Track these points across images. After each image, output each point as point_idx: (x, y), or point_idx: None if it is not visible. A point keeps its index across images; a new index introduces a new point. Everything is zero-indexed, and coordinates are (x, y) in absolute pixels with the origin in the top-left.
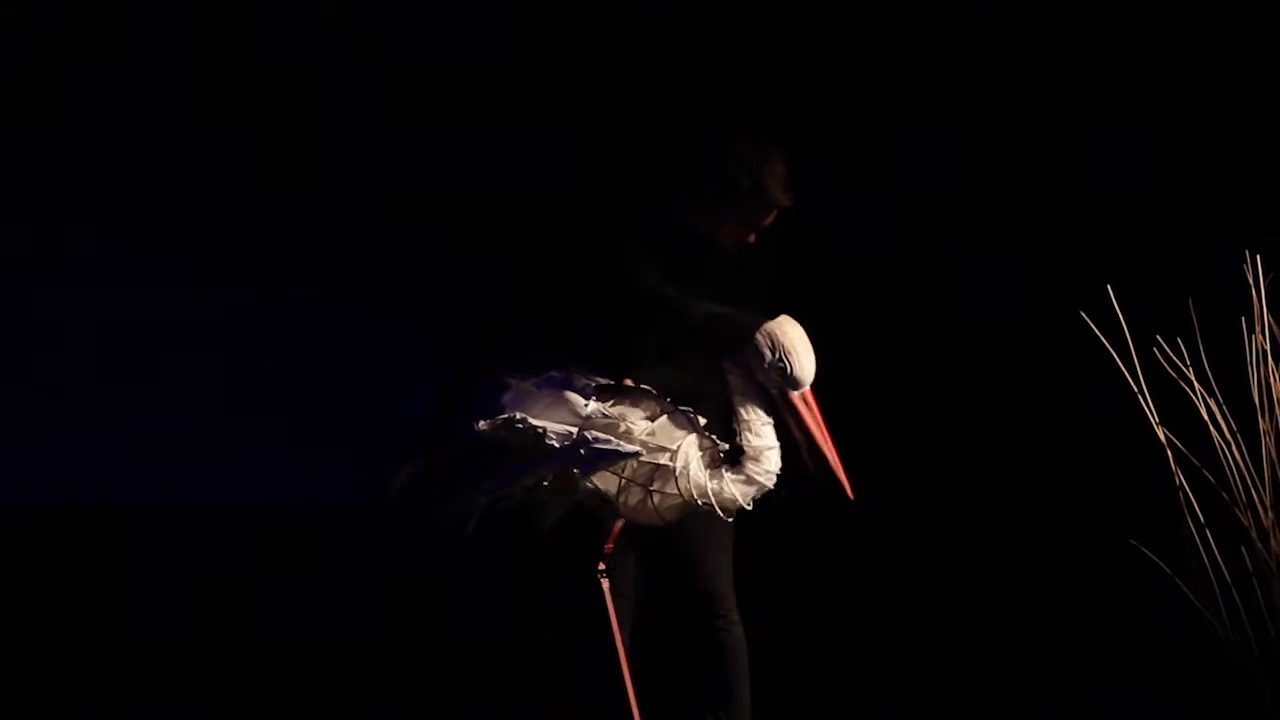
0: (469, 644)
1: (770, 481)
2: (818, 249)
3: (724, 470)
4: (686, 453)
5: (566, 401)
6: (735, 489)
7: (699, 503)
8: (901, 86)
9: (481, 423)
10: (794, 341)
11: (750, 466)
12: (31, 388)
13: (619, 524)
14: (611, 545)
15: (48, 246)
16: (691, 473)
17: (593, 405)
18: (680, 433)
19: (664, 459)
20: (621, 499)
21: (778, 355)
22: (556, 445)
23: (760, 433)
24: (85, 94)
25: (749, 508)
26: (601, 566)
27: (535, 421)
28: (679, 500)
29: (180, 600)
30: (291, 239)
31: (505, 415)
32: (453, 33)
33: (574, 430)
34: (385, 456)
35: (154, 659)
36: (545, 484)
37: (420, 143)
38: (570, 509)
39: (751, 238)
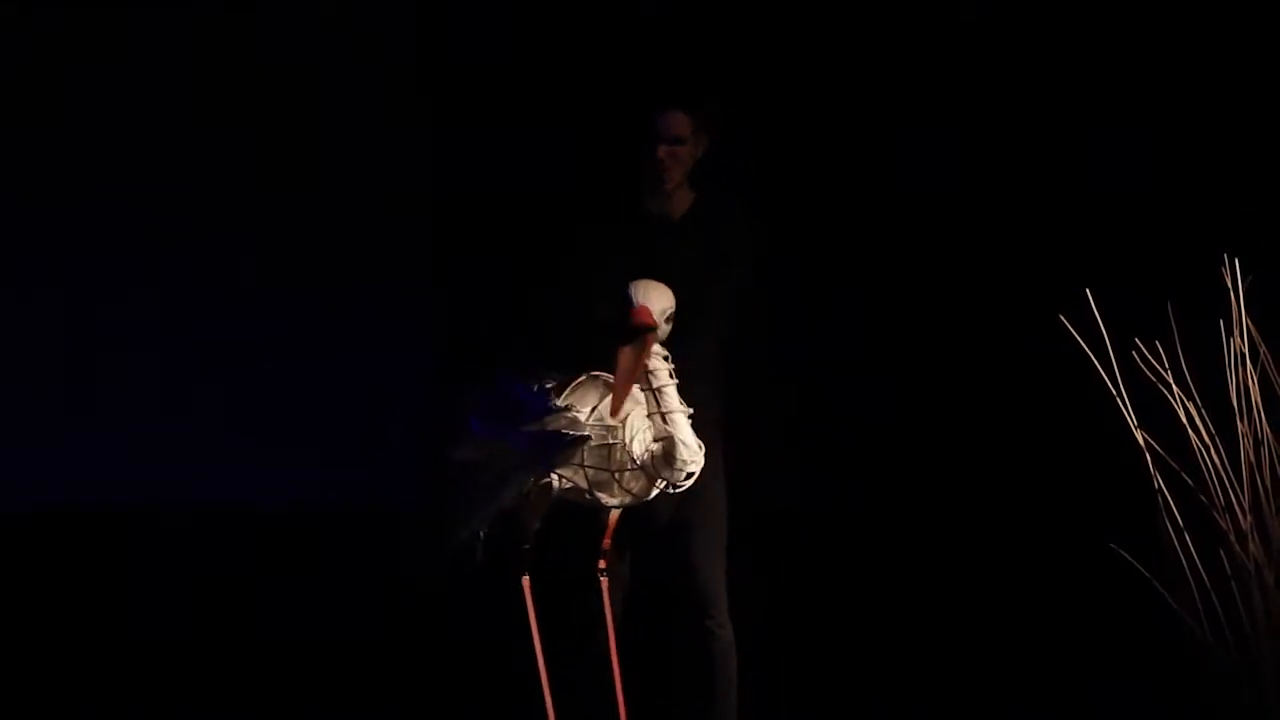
0: (469, 644)
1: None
2: (800, 247)
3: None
4: (633, 424)
5: (523, 407)
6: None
7: (657, 470)
8: (892, 85)
9: (457, 449)
10: (645, 284)
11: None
12: (30, 388)
13: (612, 519)
14: (609, 542)
15: (47, 247)
16: (640, 440)
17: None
18: (627, 409)
19: (613, 437)
20: (593, 488)
21: (629, 288)
22: (520, 450)
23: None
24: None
25: (696, 458)
26: (602, 565)
27: (498, 432)
28: (639, 473)
29: (180, 600)
30: (290, 240)
31: (473, 435)
32: (449, 34)
33: (532, 431)
34: (385, 458)
35: (154, 659)
36: (525, 491)
37: (423, 144)
38: (558, 508)
39: (666, 184)
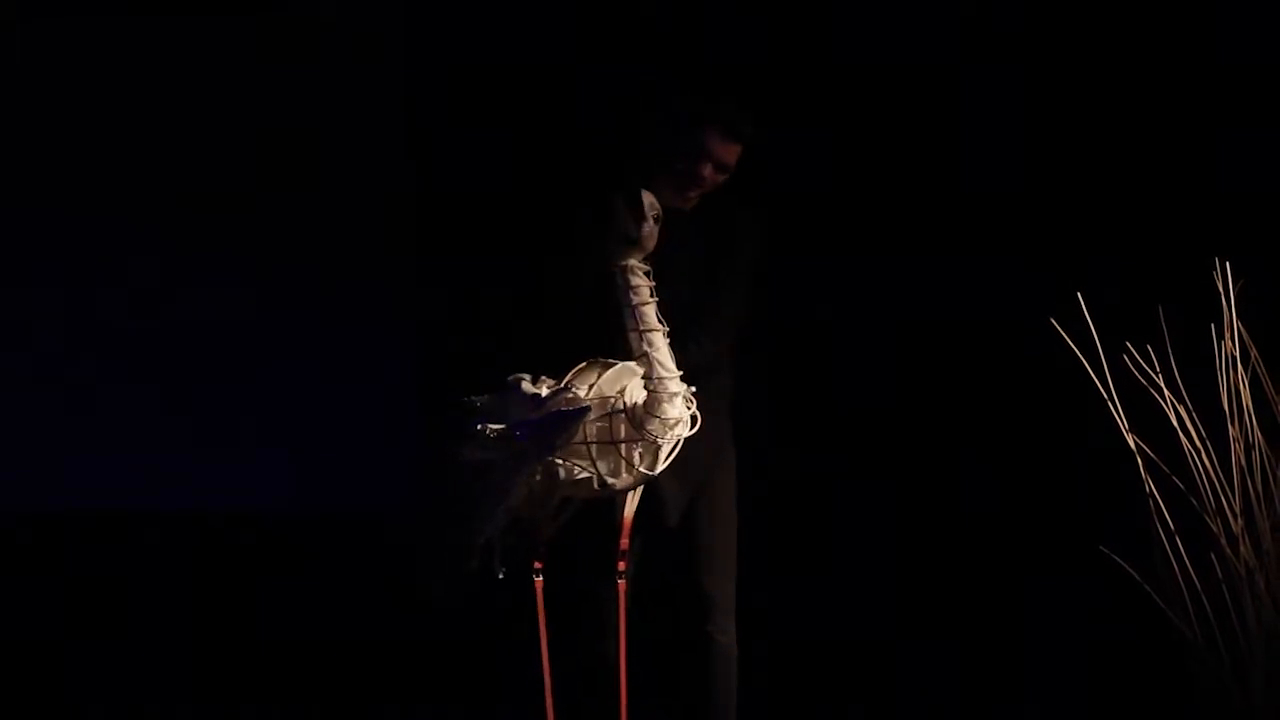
0: (468, 644)
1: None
2: (790, 247)
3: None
4: (632, 393)
5: (522, 398)
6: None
7: (657, 435)
8: (888, 87)
9: (460, 450)
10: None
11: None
12: (29, 391)
13: (628, 516)
14: (627, 541)
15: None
16: (641, 407)
17: (544, 390)
18: (624, 381)
19: (612, 407)
20: (600, 471)
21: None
22: (523, 440)
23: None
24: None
25: (672, 375)
26: (621, 567)
27: (498, 426)
28: (648, 442)
29: (180, 601)
30: (288, 241)
31: (476, 433)
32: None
33: (532, 419)
34: (384, 460)
35: (154, 660)
36: (533, 486)
37: (402, 144)
38: (568, 507)
39: (693, 194)
